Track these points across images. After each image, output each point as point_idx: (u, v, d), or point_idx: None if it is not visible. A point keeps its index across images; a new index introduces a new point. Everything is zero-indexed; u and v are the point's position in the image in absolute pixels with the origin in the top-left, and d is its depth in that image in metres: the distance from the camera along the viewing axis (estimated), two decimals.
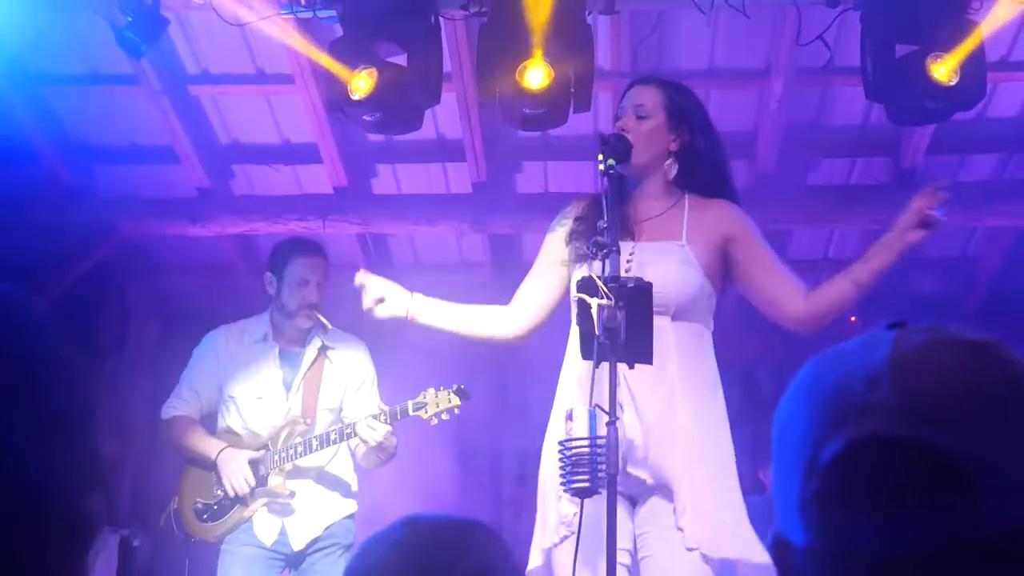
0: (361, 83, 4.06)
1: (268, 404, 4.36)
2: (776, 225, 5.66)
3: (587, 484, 2.61)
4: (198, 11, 4.61)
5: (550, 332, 3.22)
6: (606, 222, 2.75)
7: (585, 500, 2.66)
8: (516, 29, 3.95)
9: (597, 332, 2.59)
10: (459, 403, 4.14)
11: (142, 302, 6.59)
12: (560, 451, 2.68)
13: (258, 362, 4.42)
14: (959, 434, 0.83)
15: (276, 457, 4.27)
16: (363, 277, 3.25)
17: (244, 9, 4.28)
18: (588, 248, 2.84)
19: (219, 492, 4.31)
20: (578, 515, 2.69)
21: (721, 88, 5.36)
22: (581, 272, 2.97)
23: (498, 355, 4.86)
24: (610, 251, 2.71)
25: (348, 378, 4.44)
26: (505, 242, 6.21)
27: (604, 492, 2.59)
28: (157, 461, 4.67)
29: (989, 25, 4.07)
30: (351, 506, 4.42)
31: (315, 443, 4.25)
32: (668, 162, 3.13)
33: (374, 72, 4.06)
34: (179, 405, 4.45)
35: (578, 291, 2.68)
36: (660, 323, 2.84)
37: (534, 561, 2.98)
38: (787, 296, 3.04)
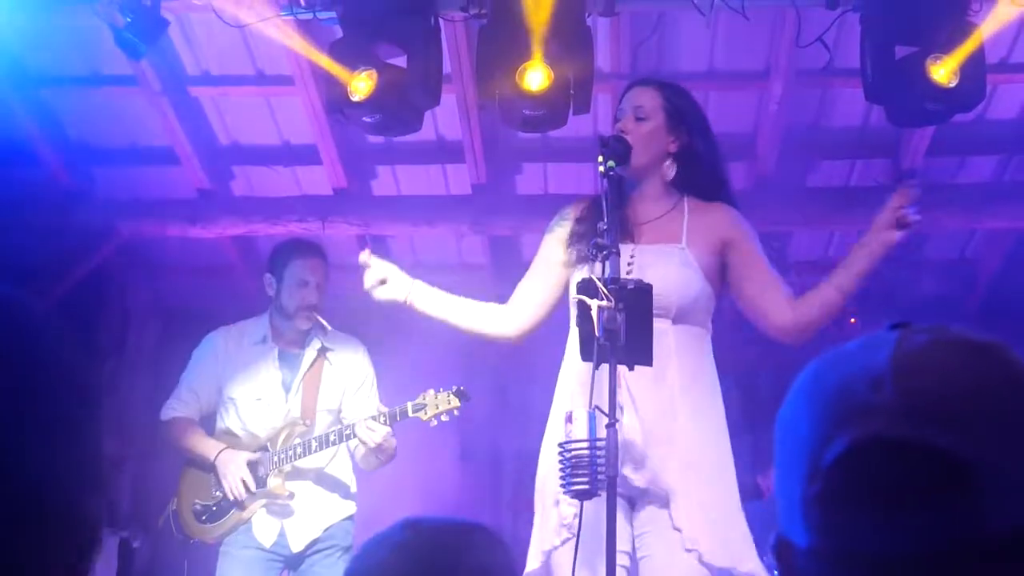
0: (361, 84, 4.06)
1: (267, 405, 4.36)
2: (776, 227, 5.66)
3: (587, 486, 2.61)
4: (198, 12, 4.61)
5: (551, 333, 3.22)
6: (606, 224, 2.75)
7: (585, 502, 2.66)
8: (516, 31, 3.95)
9: (597, 334, 2.59)
10: (459, 404, 4.14)
11: (142, 303, 6.59)
12: (560, 453, 2.68)
13: (257, 363, 4.42)
14: (961, 434, 0.83)
15: (275, 458, 4.27)
16: (367, 257, 3.24)
17: (244, 10, 4.28)
18: (588, 250, 2.85)
19: (218, 493, 4.31)
20: (578, 517, 2.69)
21: (721, 90, 5.36)
22: (581, 274, 2.97)
23: (498, 356, 4.87)
24: (610, 253, 2.72)
25: (347, 379, 4.44)
26: (505, 243, 6.21)
27: (604, 494, 2.59)
28: (157, 462, 4.67)
29: (989, 27, 4.07)
30: (350, 508, 4.42)
31: (314, 444, 4.25)
32: (667, 164, 3.13)
33: (374, 73, 4.06)
34: (178, 406, 4.45)
35: (578, 293, 2.69)
36: (661, 326, 2.85)
37: (532, 563, 2.98)
38: (775, 305, 3.04)
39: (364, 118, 4.14)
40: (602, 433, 2.61)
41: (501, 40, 4.01)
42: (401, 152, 5.70)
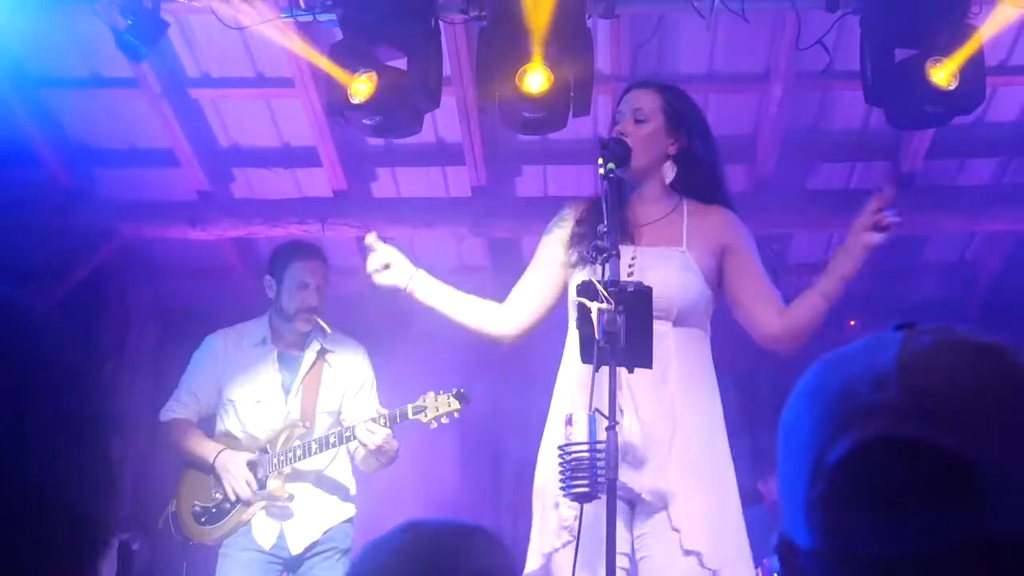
0: (361, 87, 4.06)
1: (267, 407, 4.36)
2: (776, 229, 5.67)
3: (587, 489, 2.61)
4: (198, 14, 4.62)
5: (552, 335, 3.22)
6: (606, 226, 2.75)
7: (584, 504, 2.66)
8: (516, 33, 3.96)
9: (597, 336, 2.59)
10: (459, 407, 4.14)
11: (142, 305, 6.59)
12: (560, 456, 2.68)
13: (257, 366, 4.42)
14: (966, 435, 0.83)
15: (275, 460, 4.27)
16: (373, 240, 3.23)
17: (244, 13, 4.28)
18: (588, 252, 2.85)
19: (217, 495, 4.31)
20: (578, 520, 2.69)
21: (720, 92, 5.36)
22: (580, 275, 2.97)
23: (498, 358, 4.86)
24: (610, 255, 2.72)
25: (347, 381, 4.44)
26: (504, 246, 6.21)
27: (604, 497, 2.59)
28: (156, 464, 4.67)
29: (988, 29, 4.08)
30: (349, 510, 4.42)
31: (314, 446, 4.25)
32: (667, 166, 3.13)
33: (374, 76, 4.06)
34: (177, 408, 4.45)
35: (578, 295, 2.68)
36: (661, 328, 2.85)
37: (532, 564, 2.98)
38: (765, 315, 3.05)
39: (364, 120, 4.14)
40: (602, 436, 2.61)
41: (501, 42, 4.01)
42: (401, 154, 5.70)
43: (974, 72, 3.99)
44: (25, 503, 0.84)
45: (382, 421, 4.13)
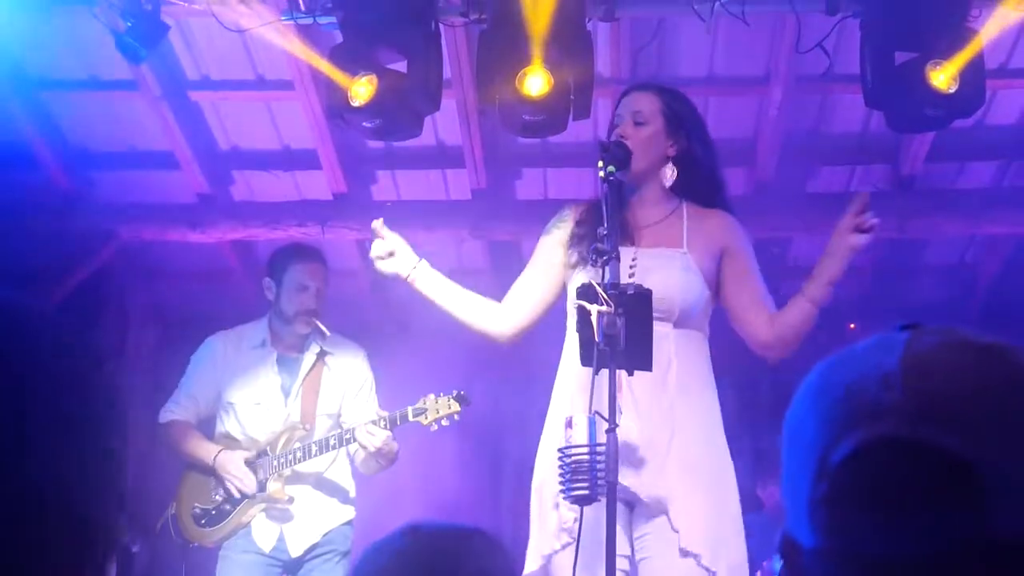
0: (361, 89, 4.06)
1: (267, 410, 4.36)
2: (775, 232, 5.67)
3: (587, 492, 2.61)
4: (198, 17, 4.62)
5: (552, 336, 3.21)
6: (606, 229, 2.75)
7: (584, 507, 2.66)
8: (516, 36, 3.96)
9: (597, 339, 2.59)
10: (459, 409, 4.14)
11: (141, 308, 6.58)
12: (560, 458, 2.68)
13: (256, 368, 4.42)
14: (970, 436, 0.83)
15: (275, 463, 4.27)
16: (380, 226, 3.23)
17: (244, 15, 4.28)
18: (588, 254, 2.85)
19: (217, 497, 4.31)
20: (578, 522, 2.69)
21: (720, 95, 5.36)
22: (580, 276, 2.97)
23: (499, 360, 4.86)
24: (610, 258, 2.72)
25: (346, 384, 4.44)
26: (504, 249, 6.20)
27: (603, 499, 2.59)
28: (156, 466, 4.66)
29: (988, 32, 4.08)
30: (349, 512, 4.42)
31: (314, 448, 4.25)
32: (667, 168, 3.13)
33: (374, 78, 4.06)
34: (176, 410, 4.45)
35: (578, 298, 2.68)
36: (662, 329, 2.85)
37: (531, 565, 2.98)
38: (757, 323, 3.06)
39: (364, 123, 4.14)
40: (602, 438, 2.61)
41: (501, 45, 4.01)
42: (401, 157, 5.70)
43: (974, 75, 3.99)
44: (25, 503, 0.83)
45: (382, 423, 4.13)
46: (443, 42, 4.24)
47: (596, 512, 2.64)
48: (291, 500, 4.27)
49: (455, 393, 4.15)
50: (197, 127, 5.54)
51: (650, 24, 4.89)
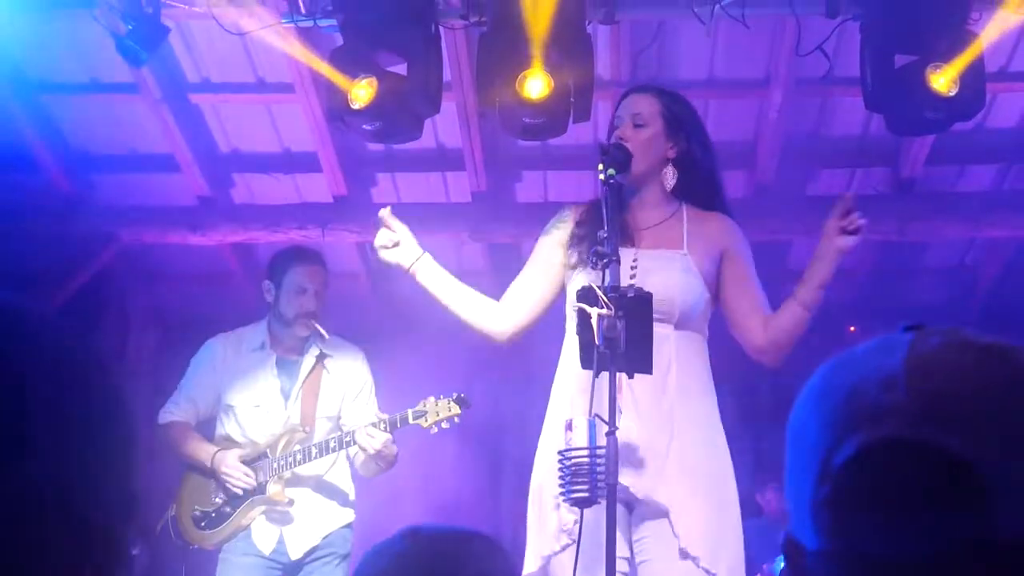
0: (361, 92, 4.06)
1: (266, 412, 4.36)
2: (775, 235, 5.67)
3: (587, 494, 2.61)
4: (199, 20, 4.62)
5: (552, 337, 3.21)
6: (606, 232, 2.75)
7: (584, 509, 2.66)
8: (516, 39, 3.96)
9: (597, 342, 2.59)
10: (459, 412, 4.14)
11: (142, 310, 6.59)
12: (560, 461, 2.68)
13: (255, 370, 4.42)
14: (974, 437, 0.83)
15: (275, 465, 4.27)
16: (387, 215, 3.22)
17: (245, 18, 4.29)
18: (588, 256, 2.85)
19: (218, 499, 4.32)
20: (578, 523, 2.69)
21: (720, 98, 5.37)
22: (579, 277, 2.97)
23: (498, 361, 4.87)
24: (610, 260, 2.72)
25: (346, 386, 4.44)
26: (504, 251, 6.21)
27: (603, 502, 2.59)
28: (155, 468, 4.66)
29: (988, 36, 4.08)
30: (349, 515, 4.41)
31: (314, 451, 4.25)
32: (667, 170, 3.13)
33: (374, 81, 4.06)
34: (175, 411, 4.46)
35: (578, 300, 2.68)
36: (663, 331, 2.85)
37: (530, 566, 2.98)
38: (753, 328, 3.06)
39: (364, 126, 4.14)
40: (602, 441, 2.61)
41: (501, 48, 4.01)
42: (401, 160, 5.70)
43: (974, 78, 4.00)
44: (25, 503, 0.83)
45: (382, 426, 4.13)
46: (443, 45, 4.25)
47: (596, 514, 2.64)
48: (291, 502, 4.27)
49: (455, 395, 4.14)
50: (197, 130, 5.55)
51: (650, 27, 4.89)
